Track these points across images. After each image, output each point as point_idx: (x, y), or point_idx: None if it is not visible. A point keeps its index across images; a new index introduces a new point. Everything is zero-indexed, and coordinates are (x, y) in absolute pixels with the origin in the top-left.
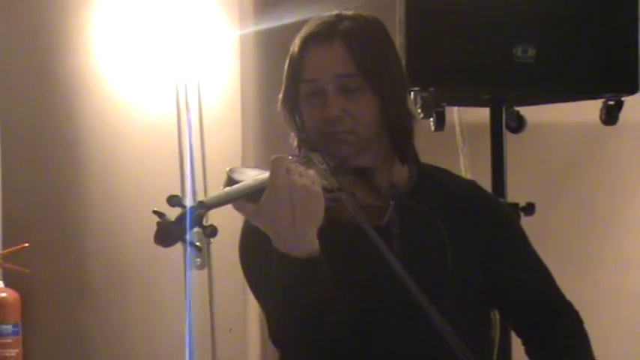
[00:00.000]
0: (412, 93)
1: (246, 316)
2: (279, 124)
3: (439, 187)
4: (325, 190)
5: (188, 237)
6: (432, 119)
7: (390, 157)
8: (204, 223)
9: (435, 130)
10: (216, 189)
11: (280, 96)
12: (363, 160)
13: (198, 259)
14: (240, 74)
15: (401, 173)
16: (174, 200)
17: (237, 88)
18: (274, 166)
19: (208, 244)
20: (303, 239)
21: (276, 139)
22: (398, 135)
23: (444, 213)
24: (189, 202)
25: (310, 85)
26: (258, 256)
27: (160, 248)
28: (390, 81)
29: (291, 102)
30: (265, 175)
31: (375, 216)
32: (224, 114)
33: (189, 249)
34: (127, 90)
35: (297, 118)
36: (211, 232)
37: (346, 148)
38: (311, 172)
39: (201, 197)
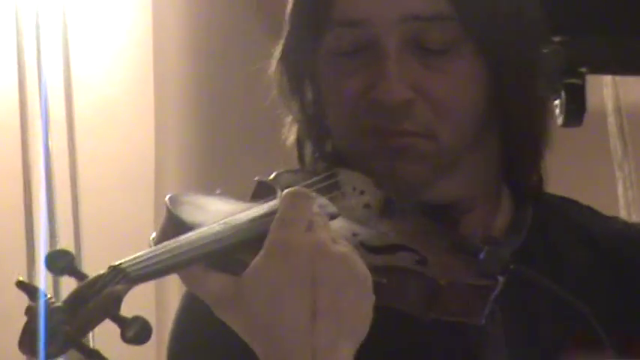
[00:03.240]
0: None
1: None
2: (254, 111)
3: (581, 240)
4: (370, 250)
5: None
6: (556, 103)
7: (498, 186)
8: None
9: (566, 124)
10: (98, 237)
11: (279, 52)
12: (444, 190)
13: None
14: (152, 12)
15: (505, 214)
16: (53, 265)
17: (148, 40)
18: (289, 206)
19: None
20: None
21: (237, 139)
22: (521, 144)
23: (592, 292)
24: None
25: (350, 32)
26: None
27: None
28: (514, 34)
29: (303, 66)
30: (255, 212)
31: (467, 305)
32: (117, 94)
33: None
34: None
35: (311, 96)
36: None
37: (414, 168)
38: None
39: (64, 251)
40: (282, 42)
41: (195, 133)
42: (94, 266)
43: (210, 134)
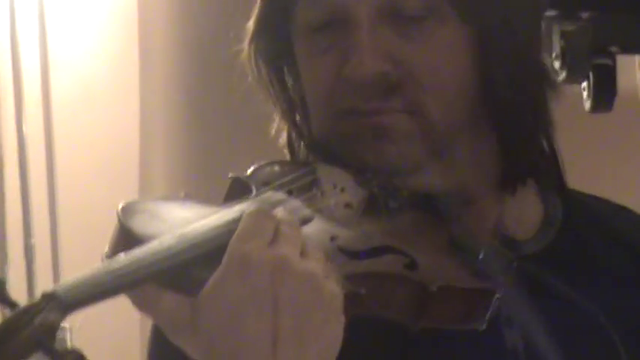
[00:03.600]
0: (544, 26)
1: None
2: (245, 95)
3: (612, 241)
4: (351, 255)
5: None
6: (584, 86)
7: (500, 172)
8: (60, 345)
9: (594, 109)
10: (76, 230)
11: (250, 35)
12: (437, 179)
13: None
14: None
15: (525, 208)
16: None
17: (133, 14)
18: (250, 220)
19: None
20: None
21: (228, 124)
22: (517, 123)
23: (626, 294)
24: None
25: (318, 3)
26: None
27: None
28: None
29: (277, 48)
30: (216, 221)
31: (465, 311)
32: (99, 73)
33: None
34: None
35: (288, 81)
36: None
37: (399, 149)
38: (317, 242)
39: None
40: (253, 22)
41: (184, 117)
42: (71, 263)
43: (200, 118)
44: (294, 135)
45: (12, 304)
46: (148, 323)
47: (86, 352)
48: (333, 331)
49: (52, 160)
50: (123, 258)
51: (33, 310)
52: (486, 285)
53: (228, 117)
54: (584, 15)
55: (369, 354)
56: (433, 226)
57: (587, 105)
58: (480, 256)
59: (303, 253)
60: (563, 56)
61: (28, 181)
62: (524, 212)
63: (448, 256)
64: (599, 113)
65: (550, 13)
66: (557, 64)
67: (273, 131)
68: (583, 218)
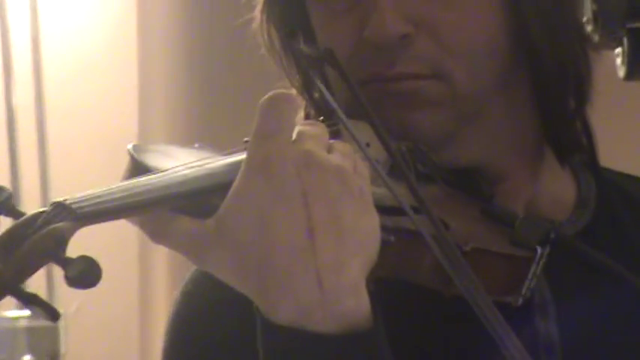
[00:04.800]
0: None
1: None
2: (248, 67)
3: None
4: (381, 210)
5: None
6: (617, 51)
7: (536, 146)
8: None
9: (629, 76)
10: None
11: (261, 2)
12: (467, 147)
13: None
14: None
15: (559, 187)
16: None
17: None
18: (268, 114)
19: None
20: (336, 289)
21: (231, 96)
22: (556, 91)
23: None
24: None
25: None
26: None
27: None
28: None
29: (291, 14)
30: (234, 158)
31: (500, 281)
32: (94, 43)
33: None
34: None
35: (303, 46)
36: (51, 314)
37: (428, 116)
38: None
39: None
40: None
41: (185, 92)
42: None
43: (202, 91)
44: (311, 112)
45: (20, 216)
46: (148, 309)
47: (82, 338)
48: (369, 225)
49: (43, 135)
50: (137, 180)
51: (41, 218)
52: (523, 253)
53: (231, 92)
54: None
55: (403, 321)
56: (465, 199)
57: (622, 72)
58: (516, 224)
59: (329, 150)
60: (595, 20)
61: (17, 158)
62: (558, 192)
63: (482, 224)
64: (634, 81)
65: None
66: (588, 29)
67: None
68: (617, 199)
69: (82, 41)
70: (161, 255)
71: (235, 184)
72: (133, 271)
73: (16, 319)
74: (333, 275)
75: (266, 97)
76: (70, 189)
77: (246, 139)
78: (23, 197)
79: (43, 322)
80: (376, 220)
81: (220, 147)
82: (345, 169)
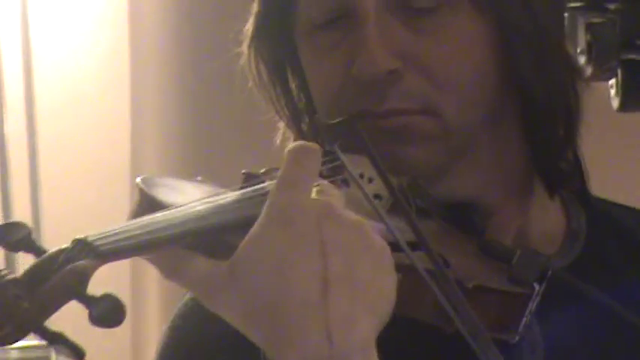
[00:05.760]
0: (568, 19)
1: None
2: (235, 100)
3: (637, 251)
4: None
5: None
6: (611, 83)
7: (525, 179)
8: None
9: (623, 107)
10: (61, 241)
11: (249, 36)
12: (461, 181)
13: None
14: None
15: (549, 219)
16: (11, 235)
17: (123, 8)
18: (293, 163)
19: None
20: (345, 345)
21: (225, 123)
22: (545, 125)
23: None
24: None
25: (324, 3)
26: None
27: None
28: None
29: (278, 50)
30: (242, 194)
31: (498, 318)
32: (87, 70)
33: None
34: None
35: (292, 84)
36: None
37: (419, 151)
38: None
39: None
40: (251, 22)
41: (177, 120)
42: None
43: (194, 120)
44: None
45: (41, 252)
46: (139, 341)
47: (76, 332)
48: (386, 284)
49: (36, 167)
50: (152, 216)
51: (63, 256)
52: (522, 290)
53: (223, 119)
54: (612, 6)
55: (403, 358)
56: (462, 234)
57: (615, 103)
58: (514, 261)
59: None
60: (589, 51)
61: (9, 186)
62: (548, 224)
63: (479, 260)
64: (628, 112)
65: (574, 4)
66: (582, 60)
67: (278, 141)
68: (607, 230)
69: (74, 71)
70: (153, 284)
71: (254, 229)
72: (125, 301)
73: (7, 350)
74: (343, 331)
75: (292, 146)
76: (62, 219)
77: (244, 171)
78: None
79: (35, 353)
80: (394, 280)
81: (214, 178)
82: (365, 224)
